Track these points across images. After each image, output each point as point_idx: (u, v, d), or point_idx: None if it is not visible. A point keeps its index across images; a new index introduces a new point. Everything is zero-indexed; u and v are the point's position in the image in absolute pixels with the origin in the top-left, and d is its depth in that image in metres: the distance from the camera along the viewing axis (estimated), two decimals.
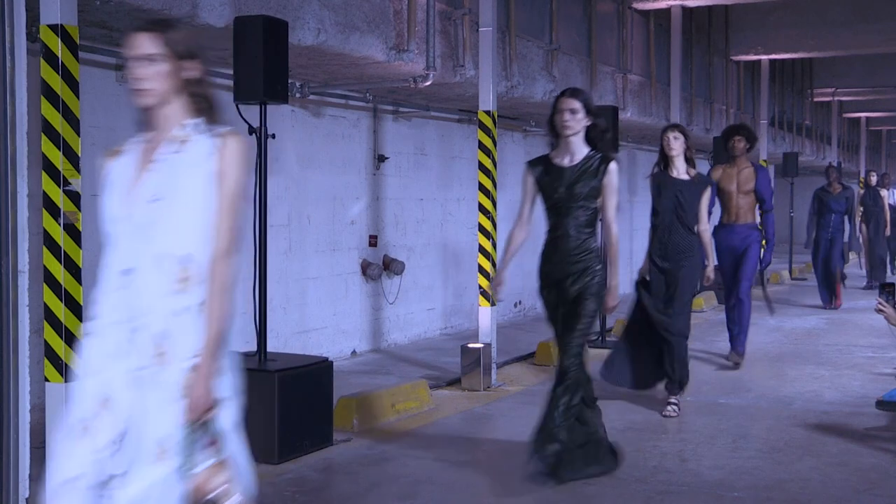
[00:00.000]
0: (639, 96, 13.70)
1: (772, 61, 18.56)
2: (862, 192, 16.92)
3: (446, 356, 9.06)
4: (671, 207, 7.19)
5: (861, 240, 16.92)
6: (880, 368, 9.01)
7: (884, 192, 16.88)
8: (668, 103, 13.58)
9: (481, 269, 8.16)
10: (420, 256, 10.70)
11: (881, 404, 6.61)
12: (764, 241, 9.26)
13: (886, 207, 16.83)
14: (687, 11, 14.31)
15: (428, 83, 8.53)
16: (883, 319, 5.93)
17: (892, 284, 5.81)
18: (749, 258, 8.95)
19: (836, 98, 24.16)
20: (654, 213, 7.32)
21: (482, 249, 8.15)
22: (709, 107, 16.74)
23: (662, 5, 13.30)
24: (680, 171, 7.25)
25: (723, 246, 9.04)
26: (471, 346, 7.98)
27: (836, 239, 13.96)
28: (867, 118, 28.57)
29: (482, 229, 8.14)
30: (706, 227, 7.44)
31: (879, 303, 5.77)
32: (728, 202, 9.07)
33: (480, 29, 8.24)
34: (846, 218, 14.10)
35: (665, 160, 7.30)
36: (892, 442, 6.31)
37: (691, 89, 15.64)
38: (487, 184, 8.12)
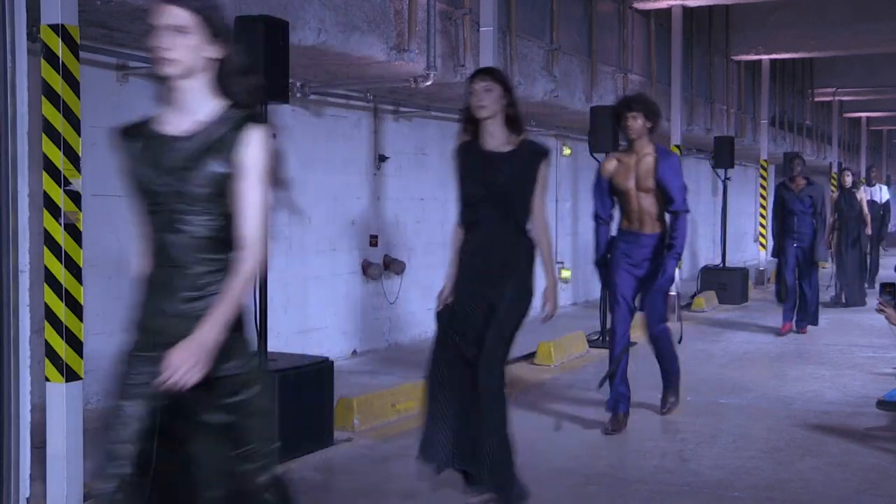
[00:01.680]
0: None
1: (772, 61, 18.57)
2: (835, 194, 14.52)
3: None
4: (481, 195, 4.67)
5: (830, 250, 13.99)
6: (881, 368, 9.01)
7: (860, 194, 14.52)
8: (669, 103, 13.58)
9: None
10: (421, 256, 10.69)
11: (882, 404, 6.61)
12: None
13: (865, 208, 14.44)
14: (687, 11, 14.31)
15: (429, 83, 8.53)
16: (883, 319, 5.93)
17: (893, 284, 5.81)
18: (660, 280, 6.60)
19: (836, 98, 24.18)
20: (464, 204, 4.78)
21: None
22: (709, 107, 16.74)
23: (663, 5, 13.31)
24: (497, 139, 4.68)
25: (622, 263, 6.66)
26: None
27: (807, 247, 11.06)
28: (868, 118, 28.61)
29: None
30: (545, 223, 4.79)
31: (880, 303, 5.77)
32: (627, 204, 6.61)
33: (481, 29, 8.24)
34: (815, 221, 11.14)
35: (473, 125, 4.73)
36: (892, 442, 6.31)
37: (692, 89, 15.64)
38: None
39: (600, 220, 6.73)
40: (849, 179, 14.33)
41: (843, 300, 14.18)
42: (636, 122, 6.48)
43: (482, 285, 4.71)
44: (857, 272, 14.33)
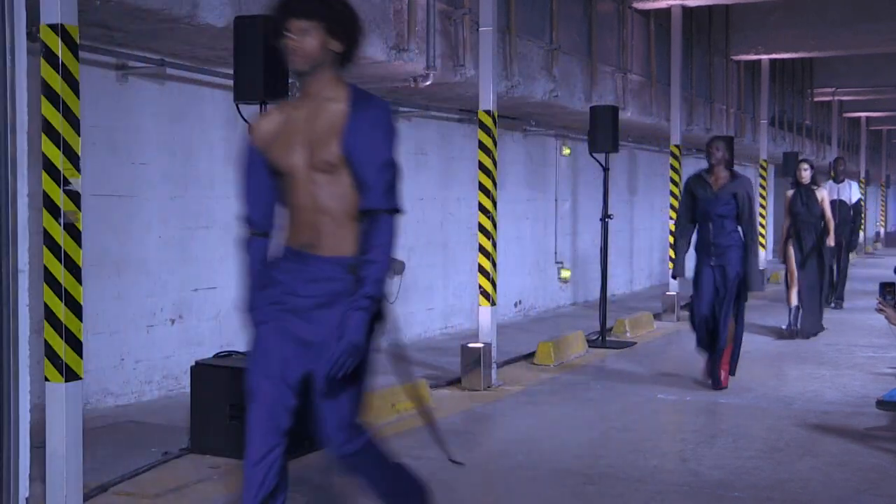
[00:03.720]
0: (639, 96, 13.70)
1: (772, 61, 18.59)
2: (790, 193, 11.18)
3: (446, 356, 9.05)
4: None
5: (787, 265, 11.15)
6: (881, 368, 9.01)
7: (821, 193, 11.16)
8: (668, 103, 13.59)
9: (481, 269, 8.15)
10: (420, 256, 10.69)
11: (881, 404, 6.61)
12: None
13: (828, 211, 11.21)
14: (687, 11, 14.32)
15: (428, 83, 8.54)
16: (883, 319, 5.93)
17: (893, 284, 5.80)
18: (339, 342, 3.44)
19: (836, 98, 24.21)
20: None
21: (482, 249, 8.14)
22: (709, 107, 16.76)
23: (663, 5, 13.32)
24: None
25: (270, 322, 3.53)
26: (471, 345, 7.98)
27: (729, 267, 7.71)
28: (867, 118, 28.64)
29: (482, 229, 8.14)
30: None
31: (880, 302, 5.76)
32: (293, 195, 3.37)
33: (480, 29, 8.24)
34: (740, 228, 7.79)
35: None
36: (892, 442, 6.31)
37: (692, 89, 15.66)
38: (488, 183, 8.11)
39: (252, 226, 3.47)
40: (806, 174, 11.01)
41: (798, 329, 11.00)
42: (305, 42, 3.26)
43: None
44: (815, 291, 11.15)
